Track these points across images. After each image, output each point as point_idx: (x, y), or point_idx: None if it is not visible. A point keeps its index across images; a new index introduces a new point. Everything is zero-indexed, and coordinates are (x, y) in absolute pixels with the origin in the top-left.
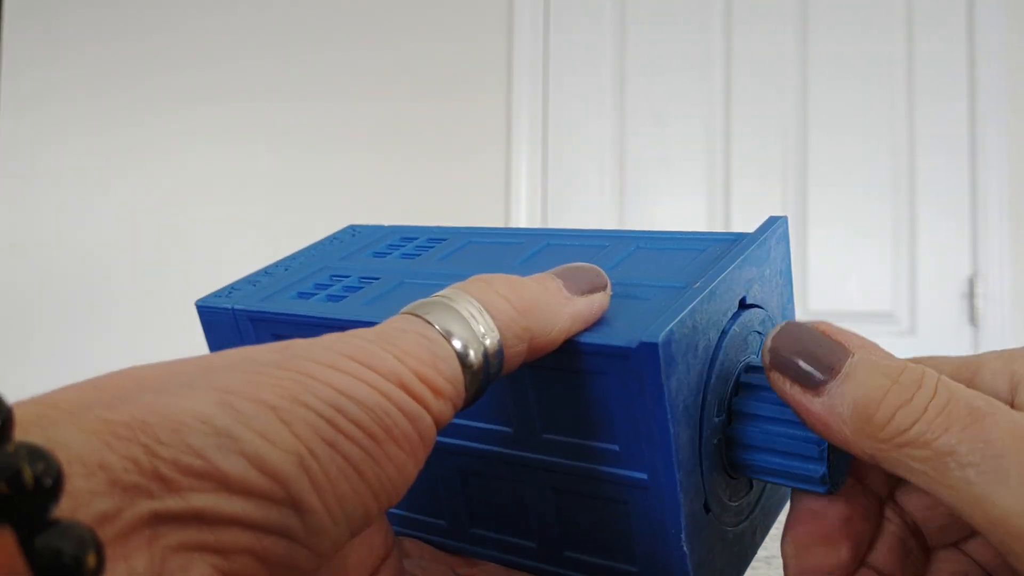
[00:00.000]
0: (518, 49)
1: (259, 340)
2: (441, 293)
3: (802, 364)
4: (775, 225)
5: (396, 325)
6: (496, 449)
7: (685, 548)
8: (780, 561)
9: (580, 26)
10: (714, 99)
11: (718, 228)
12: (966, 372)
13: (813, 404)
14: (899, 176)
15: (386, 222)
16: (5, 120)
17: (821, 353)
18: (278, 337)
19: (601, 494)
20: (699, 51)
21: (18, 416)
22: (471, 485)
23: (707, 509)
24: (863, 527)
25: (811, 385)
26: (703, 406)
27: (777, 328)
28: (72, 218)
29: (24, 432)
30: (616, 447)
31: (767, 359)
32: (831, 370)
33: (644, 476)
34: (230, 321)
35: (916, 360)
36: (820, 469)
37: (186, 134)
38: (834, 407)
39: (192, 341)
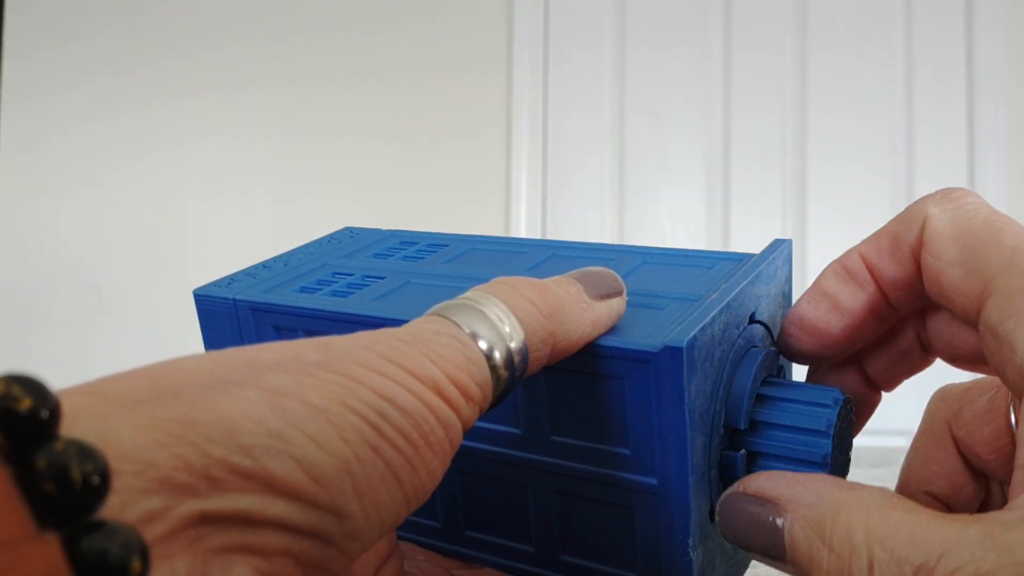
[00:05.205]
0: (518, 40)
1: (259, 332)
2: (466, 295)
3: (752, 544)
4: (782, 247)
5: (428, 326)
6: (502, 450)
7: (692, 555)
8: None
9: (580, 17)
10: (712, 93)
11: (717, 224)
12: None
13: (788, 570)
14: (898, 174)
15: (385, 213)
16: (6, 111)
17: (760, 530)
18: (279, 329)
19: (607, 498)
20: (698, 44)
21: (67, 406)
22: (470, 486)
23: (712, 518)
24: (871, 323)
25: (773, 559)
26: (713, 414)
27: (719, 509)
28: (71, 209)
29: (73, 422)
30: (627, 451)
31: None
32: (776, 547)
33: (654, 481)
34: (229, 311)
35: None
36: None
37: (183, 124)
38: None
39: (190, 334)
